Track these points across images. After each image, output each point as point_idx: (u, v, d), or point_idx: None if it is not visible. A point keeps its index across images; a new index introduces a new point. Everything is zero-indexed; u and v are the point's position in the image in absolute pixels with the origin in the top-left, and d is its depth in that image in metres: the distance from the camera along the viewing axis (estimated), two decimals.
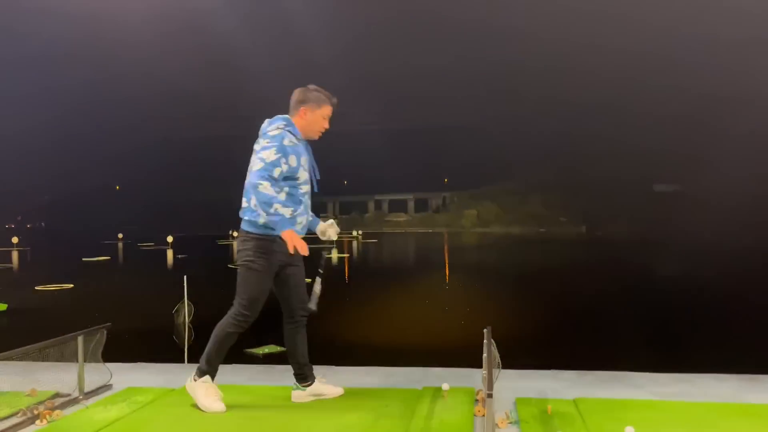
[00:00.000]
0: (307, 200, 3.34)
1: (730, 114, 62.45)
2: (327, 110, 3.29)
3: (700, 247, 34.62)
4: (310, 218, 3.42)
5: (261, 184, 3.05)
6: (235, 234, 3.27)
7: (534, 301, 13.57)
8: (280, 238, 3.11)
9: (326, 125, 3.32)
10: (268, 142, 3.12)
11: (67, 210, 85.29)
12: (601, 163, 69.66)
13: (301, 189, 3.26)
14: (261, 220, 3.14)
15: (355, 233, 53.62)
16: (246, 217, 3.22)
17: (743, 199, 47.48)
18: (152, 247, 36.73)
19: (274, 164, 3.09)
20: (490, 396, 2.15)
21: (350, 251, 33.34)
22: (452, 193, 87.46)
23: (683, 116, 71.56)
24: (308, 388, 3.36)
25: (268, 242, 3.18)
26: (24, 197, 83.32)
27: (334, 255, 28.98)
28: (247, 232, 3.22)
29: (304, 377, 3.38)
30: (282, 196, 3.16)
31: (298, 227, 3.25)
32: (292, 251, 3.08)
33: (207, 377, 3.19)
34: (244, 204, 3.22)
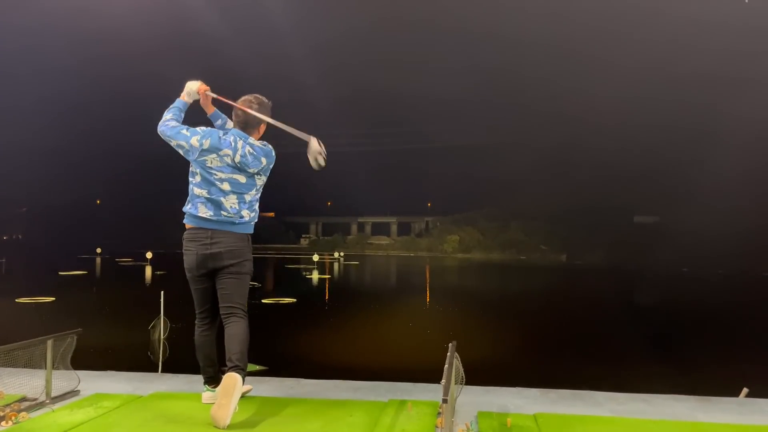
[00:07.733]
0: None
1: (709, 148, 63.87)
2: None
3: (675, 276, 35.17)
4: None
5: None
6: None
7: (508, 325, 13.74)
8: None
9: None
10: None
11: (46, 222, 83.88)
12: (582, 192, 70.52)
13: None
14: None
15: (336, 255, 53.58)
16: (245, 220, 3.37)
17: (720, 230, 48.39)
18: (131, 263, 36.36)
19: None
20: (445, 401, 2.23)
21: (331, 273, 33.27)
22: (435, 218, 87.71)
23: (664, 149, 73.00)
24: (216, 389, 3.41)
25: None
26: (1, 208, 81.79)
27: (315, 276, 28.89)
28: (246, 234, 3.40)
29: (215, 380, 3.45)
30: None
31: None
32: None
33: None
34: (243, 215, 3.36)
